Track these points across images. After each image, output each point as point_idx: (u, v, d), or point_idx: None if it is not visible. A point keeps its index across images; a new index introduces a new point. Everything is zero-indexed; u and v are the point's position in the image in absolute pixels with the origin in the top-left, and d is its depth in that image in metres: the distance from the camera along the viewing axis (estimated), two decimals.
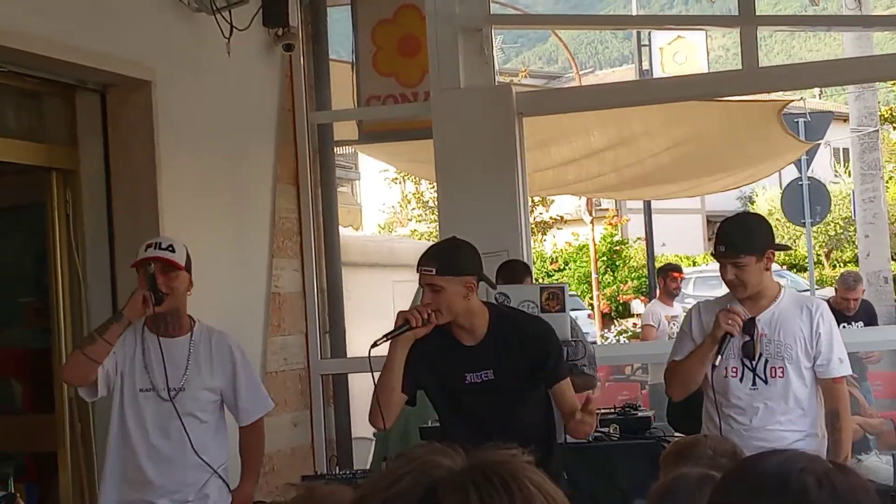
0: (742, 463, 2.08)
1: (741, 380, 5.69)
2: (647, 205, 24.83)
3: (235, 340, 5.88)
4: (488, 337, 5.44)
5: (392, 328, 5.38)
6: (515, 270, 7.63)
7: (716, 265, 5.84)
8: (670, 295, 12.52)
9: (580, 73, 32.81)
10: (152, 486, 5.64)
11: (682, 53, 26.48)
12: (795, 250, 32.61)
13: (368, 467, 8.55)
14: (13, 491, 6.15)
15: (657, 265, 20.00)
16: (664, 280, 12.67)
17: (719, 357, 5.50)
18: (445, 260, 5.34)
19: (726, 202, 35.33)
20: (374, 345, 5.34)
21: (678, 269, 13.40)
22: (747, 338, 5.66)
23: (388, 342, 5.41)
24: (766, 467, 1.97)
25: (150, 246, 5.66)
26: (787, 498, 1.89)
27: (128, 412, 5.65)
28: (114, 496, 5.68)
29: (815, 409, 5.73)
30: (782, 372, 5.67)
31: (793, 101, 15.54)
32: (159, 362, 5.63)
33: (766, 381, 5.67)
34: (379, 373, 5.52)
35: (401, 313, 5.38)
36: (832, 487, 1.90)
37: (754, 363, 5.67)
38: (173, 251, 5.65)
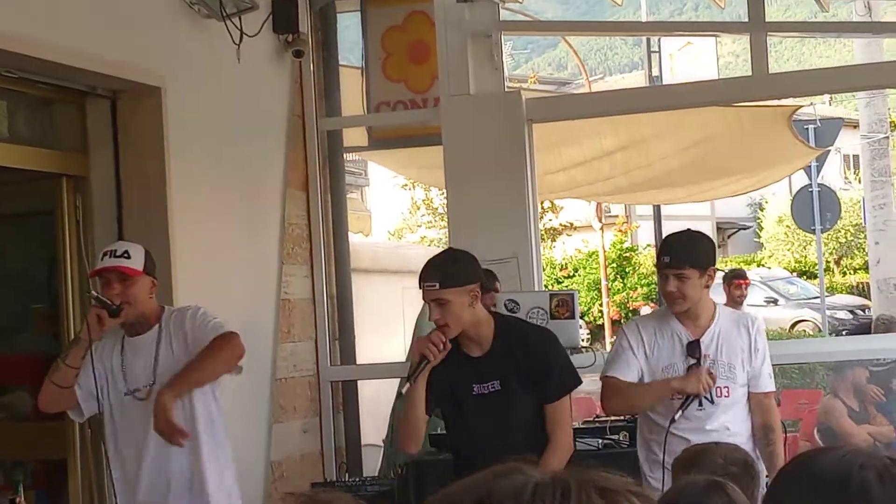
0: (798, 461, 2.04)
1: (687, 401, 5.65)
2: (657, 211, 24.84)
3: (197, 307, 5.70)
4: (494, 348, 5.47)
5: (410, 366, 5.44)
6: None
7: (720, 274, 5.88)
8: (735, 302, 11.80)
9: (590, 79, 32.82)
10: (151, 486, 5.62)
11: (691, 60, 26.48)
12: (805, 257, 32.57)
13: (377, 474, 8.55)
14: (21, 498, 6.16)
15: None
16: (729, 287, 12.11)
17: (408, 383, 5.42)
18: (447, 272, 5.36)
19: (736, 209, 35.31)
20: (400, 395, 5.45)
21: (743, 275, 12.73)
22: (692, 360, 5.68)
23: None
24: (824, 465, 1.93)
25: (106, 254, 5.62)
26: (848, 495, 1.87)
27: (116, 419, 5.66)
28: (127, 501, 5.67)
29: (749, 423, 5.76)
30: (728, 391, 5.70)
31: (803, 106, 15.51)
32: (132, 364, 5.63)
33: (712, 402, 5.68)
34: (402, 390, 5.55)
35: (417, 348, 5.44)
36: (894, 482, 1.87)
37: None
38: (129, 257, 5.57)
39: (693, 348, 5.68)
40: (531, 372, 5.43)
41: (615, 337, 6.28)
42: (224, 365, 5.63)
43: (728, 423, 5.68)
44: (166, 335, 5.66)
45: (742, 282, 12.24)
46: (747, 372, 5.72)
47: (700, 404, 5.64)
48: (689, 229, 6.09)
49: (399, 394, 8.88)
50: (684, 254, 5.67)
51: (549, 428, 5.43)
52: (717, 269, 5.92)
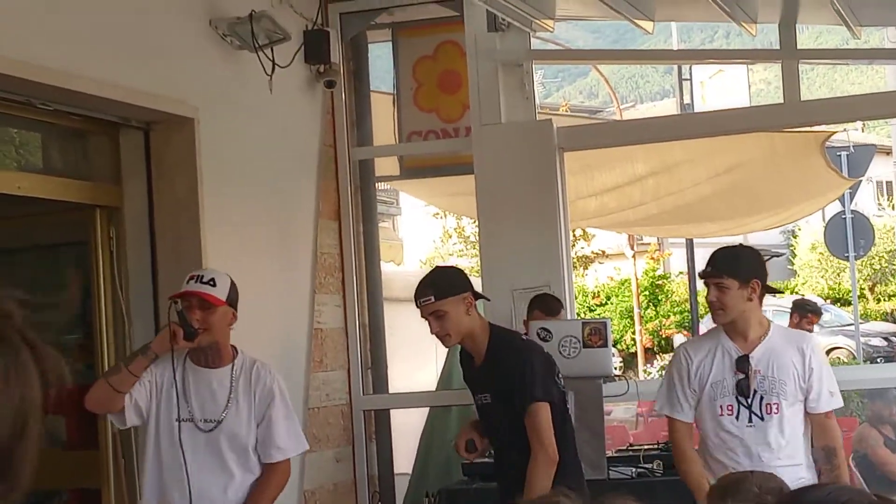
0: (786, 497, 2.06)
1: (737, 417, 5.73)
2: (690, 239, 24.75)
3: (276, 374, 5.80)
4: (486, 360, 5.68)
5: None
6: (551, 302, 7.68)
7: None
8: None
9: (621, 107, 32.82)
10: None
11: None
12: (839, 284, 32.42)
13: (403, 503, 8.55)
14: None
15: (700, 298, 19.86)
16: (799, 318, 11.27)
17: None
18: (439, 285, 5.64)
19: (769, 236, 35.18)
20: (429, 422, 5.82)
21: (817, 311, 11.73)
22: (741, 375, 5.69)
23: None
24: (810, 501, 1.94)
25: (192, 278, 5.65)
26: None
27: (163, 442, 5.63)
28: None
29: (806, 442, 5.77)
30: (777, 408, 5.70)
31: (836, 132, 15.47)
32: (198, 393, 5.62)
33: (762, 418, 5.69)
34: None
35: (465, 439, 5.95)
36: None
37: (749, 400, 5.69)
38: (214, 285, 5.62)
39: (742, 363, 5.72)
40: (510, 384, 5.58)
41: (668, 362, 6.35)
42: (278, 493, 5.82)
43: (778, 441, 5.68)
44: (244, 384, 5.65)
45: (815, 318, 11.52)
46: (802, 390, 5.70)
47: (749, 421, 5.66)
48: (739, 244, 6.19)
49: (427, 420, 8.92)
50: (724, 264, 5.71)
51: (529, 439, 5.55)
52: (768, 286, 5.92)
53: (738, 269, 5.71)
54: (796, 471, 5.61)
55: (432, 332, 5.63)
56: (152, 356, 5.54)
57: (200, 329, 5.52)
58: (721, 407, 5.74)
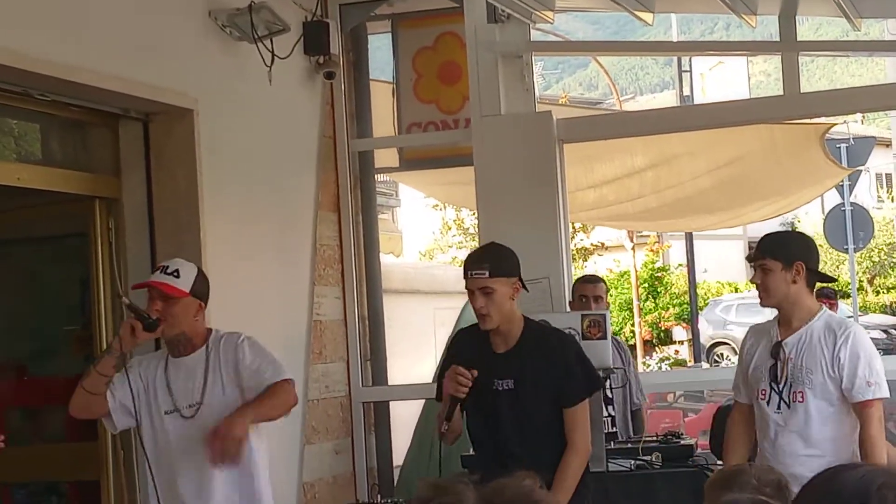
0: (820, 478, 2.05)
1: (768, 402, 5.73)
2: (689, 231, 24.77)
3: (245, 335, 5.69)
4: (517, 346, 5.57)
5: (447, 407, 5.54)
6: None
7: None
8: None
9: (621, 98, 32.81)
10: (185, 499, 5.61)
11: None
12: (839, 276, 32.42)
13: (393, 495, 8.55)
14: None
15: (699, 291, 19.88)
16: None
17: (445, 424, 5.55)
18: (496, 262, 5.51)
19: (768, 228, 35.16)
20: (442, 434, 5.53)
21: (830, 295, 11.67)
22: (772, 361, 5.70)
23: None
24: (844, 483, 1.93)
25: (157, 269, 5.64)
26: None
27: (158, 436, 5.63)
28: None
29: (847, 437, 5.64)
30: (802, 397, 5.64)
31: (836, 124, 15.46)
32: (178, 383, 5.62)
33: (788, 406, 5.66)
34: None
35: (446, 392, 5.56)
36: None
37: (780, 386, 5.68)
38: (178, 276, 5.56)
39: (776, 350, 5.70)
40: (550, 375, 5.51)
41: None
42: (282, 409, 5.66)
43: (802, 430, 5.63)
44: (214, 358, 5.63)
45: (826, 301, 11.47)
46: (832, 379, 5.60)
47: (778, 407, 5.67)
48: (789, 229, 6.19)
49: (423, 412, 8.90)
50: (768, 246, 5.71)
51: (568, 431, 5.51)
52: (820, 272, 5.90)
53: (782, 251, 5.67)
54: (819, 462, 5.56)
55: (475, 307, 5.48)
56: (116, 353, 5.51)
57: (159, 319, 5.49)
58: (758, 391, 5.75)
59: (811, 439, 5.62)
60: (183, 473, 5.60)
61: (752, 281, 5.81)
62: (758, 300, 5.88)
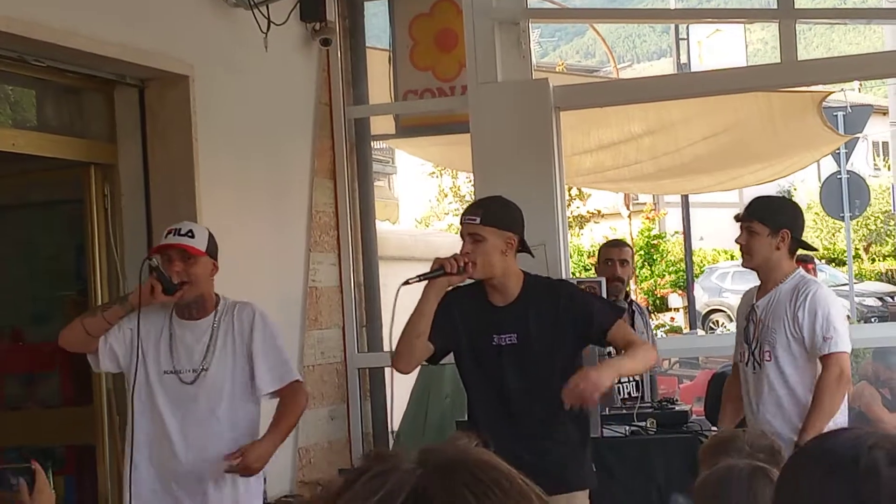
0: (815, 440, 2.08)
1: (746, 363, 5.91)
2: (685, 199, 24.77)
3: (261, 309, 5.73)
4: (519, 300, 5.43)
5: (427, 271, 5.36)
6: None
7: None
8: None
9: (618, 66, 32.74)
10: (181, 467, 5.61)
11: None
12: (834, 244, 32.44)
13: None
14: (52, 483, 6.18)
15: (695, 258, 19.88)
16: None
17: (416, 278, 5.34)
18: (491, 211, 5.38)
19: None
20: (406, 283, 5.31)
21: (807, 259, 11.26)
22: (745, 322, 5.90)
23: (422, 287, 5.41)
24: (836, 444, 1.96)
25: (170, 232, 5.63)
26: (857, 474, 1.89)
27: (156, 393, 5.62)
28: (147, 482, 5.65)
29: (807, 394, 5.77)
30: (769, 356, 5.80)
31: (833, 92, 15.44)
32: (182, 346, 5.61)
33: (760, 365, 5.80)
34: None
35: (437, 259, 5.36)
36: None
37: (752, 347, 5.80)
38: (192, 237, 5.59)
39: (750, 311, 5.90)
40: (563, 320, 5.37)
41: None
42: (297, 420, 5.80)
43: (774, 388, 5.78)
44: (226, 326, 5.63)
45: (803, 266, 11.31)
46: (795, 338, 5.75)
47: (753, 368, 5.82)
48: (776, 195, 6.29)
49: (419, 377, 8.88)
50: (757, 209, 5.83)
51: (624, 345, 5.34)
52: (803, 241, 5.97)
53: (771, 217, 5.80)
54: (791, 419, 5.66)
55: (462, 252, 5.30)
56: (129, 307, 5.51)
57: (181, 283, 5.50)
58: (739, 353, 5.99)
59: (781, 398, 5.74)
60: (171, 435, 5.59)
61: (736, 241, 5.88)
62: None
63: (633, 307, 8.02)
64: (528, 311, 5.40)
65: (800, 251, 6.13)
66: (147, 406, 5.62)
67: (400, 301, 5.27)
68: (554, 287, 5.55)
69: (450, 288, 5.39)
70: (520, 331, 5.40)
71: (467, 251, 5.31)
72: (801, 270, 5.95)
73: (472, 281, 5.44)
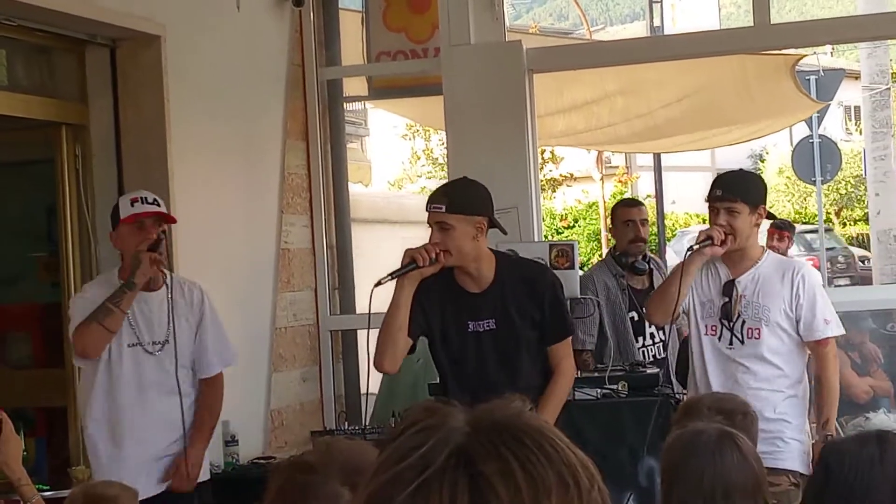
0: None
1: (719, 338, 5.79)
2: (658, 162, 24.78)
3: (205, 289, 5.85)
4: (493, 285, 5.37)
5: (399, 266, 5.33)
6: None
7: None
8: None
9: (591, 29, 32.69)
10: (138, 441, 5.63)
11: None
12: (805, 209, 32.54)
13: (367, 424, 8.58)
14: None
15: (667, 222, 19.89)
16: (769, 237, 10.80)
17: (388, 277, 5.38)
18: (456, 198, 5.29)
19: (737, 160, 35.19)
20: (379, 283, 5.30)
21: (785, 226, 11.20)
22: (726, 299, 5.74)
23: (395, 281, 5.37)
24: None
25: (140, 200, 5.60)
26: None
27: (115, 369, 5.62)
28: (107, 450, 5.66)
29: (797, 372, 5.80)
30: (758, 333, 5.75)
31: (806, 55, 15.44)
32: (142, 317, 5.61)
33: (742, 342, 5.73)
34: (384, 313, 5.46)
35: (408, 251, 5.30)
36: None
37: (732, 324, 5.73)
38: (159, 205, 5.63)
39: (728, 288, 5.76)
40: (534, 312, 5.38)
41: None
42: (217, 419, 5.93)
43: (755, 365, 5.73)
44: (179, 300, 5.67)
45: (779, 233, 11.13)
46: (789, 318, 5.73)
47: (730, 343, 5.71)
48: (741, 169, 6.19)
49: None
50: (737, 187, 5.73)
51: (556, 361, 5.41)
52: (774, 217, 5.98)
53: (748, 194, 5.73)
54: (775, 396, 5.68)
55: (431, 242, 5.24)
56: (137, 290, 5.51)
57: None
58: (706, 327, 5.81)
59: (761, 374, 5.73)
60: (142, 404, 5.61)
61: (717, 224, 5.68)
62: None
63: (652, 264, 7.98)
64: (505, 296, 5.36)
65: (781, 219, 6.17)
66: (106, 378, 5.62)
67: (374, 260, 5.27)
68: (531, 278, 5.47)
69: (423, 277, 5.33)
70: (497, 316, 5.36)
71: (436, 241, 5.24)
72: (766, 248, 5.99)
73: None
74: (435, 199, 5.32)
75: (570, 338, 5.54)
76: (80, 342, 5.59)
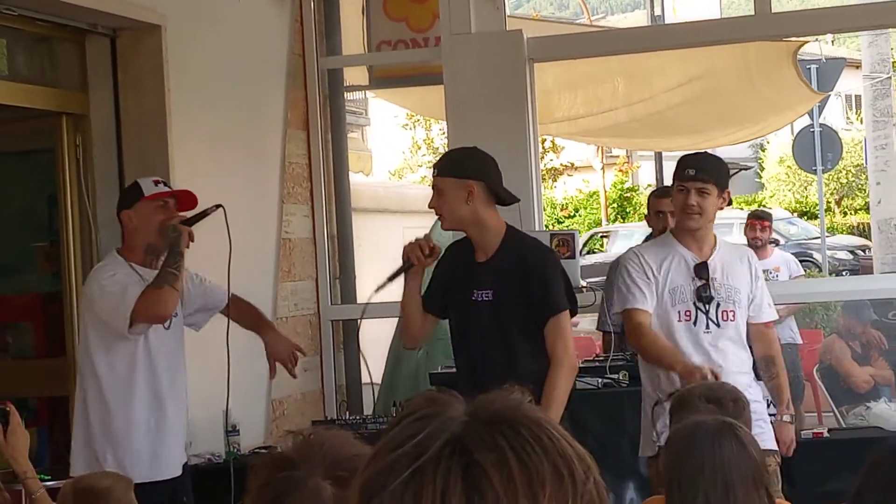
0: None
1: (695, 323, 5.74)
2: (658, 152, 24.80)
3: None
4: (495, 256, 5.42)
5: (396, 268, 5.49)
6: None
7: (729, 213, 5.90)
8: (751, 244, 10.16)
9: (592, 18, 32.67)
10: (177, 409, 5.71)
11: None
12: (806, 198, 32.52)
13: (371, 413, 8.59)
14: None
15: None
16: (748, 227, 10.80)
17: (387, 282, 5.54)
18: (448, 162, 5.51)
19: (737, 149, 35.17)
20: (379, 289, 5.40)
21: (764, 216, 11.17)
22: (701, 281, 5.70)
23: (396, 280, 5.54)
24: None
25: (162, 183, 5.75)
26: None
27: (151, 342, 5.65)
28: (149, 424, 5.70)
29: (747, 354, 5.88)
30: (733, 315, 5.78)
31: (808, 41, 15.41)
32: None
33: (718, 325, 5.73)
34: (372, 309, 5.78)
35: (405, 248, 5.48)
36: None
37: (707, 307, 5.72)
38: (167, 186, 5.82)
39: (701, 269, 5.74)
40: (527, 287, 5.37)
41: (615, 271, 6.28)
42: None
43: (730, 348, 5.76)
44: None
45: (759, 223, 10.93)
46: (749, 299, 5.80)
47: (707, 327, 5.72)
48: (706, 151, 6.23)
49: (396, 330, 8.88)
50: (710, 169, 5.74)
51: (549, 344, 5.34)
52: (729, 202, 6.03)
53: (721, 176, 5.78)
54: (746, 378, 5.70)
55: (429, 205, 5.44)
56: (183, 256, 5.60)
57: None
58: (679, 313, 5.74)
59: (738, 357, 5.78)
60: (161, 379, 5.66)
61: (687, 202, 5.66)
62: (728, 221, 5.95)
63: None
64: (504, 269, 5.38)
65: (759, 208, 6.26)
66: (149, 352, 5.65)
67: (375, 250, 5.34)
68: (526, 252, 5.45)
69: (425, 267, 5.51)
70: (495, 287, 5.38)
71: (433, 205, 5.40)
72: None
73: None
74: (435, 164, 5.56)
75: (562, 320, 5.38)
76: (157, 305, 5.53)
